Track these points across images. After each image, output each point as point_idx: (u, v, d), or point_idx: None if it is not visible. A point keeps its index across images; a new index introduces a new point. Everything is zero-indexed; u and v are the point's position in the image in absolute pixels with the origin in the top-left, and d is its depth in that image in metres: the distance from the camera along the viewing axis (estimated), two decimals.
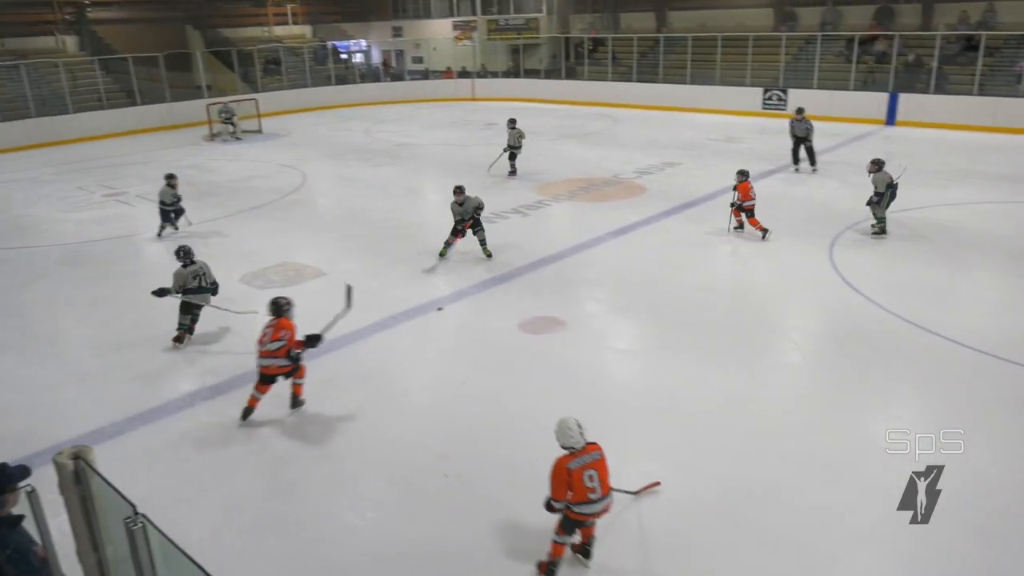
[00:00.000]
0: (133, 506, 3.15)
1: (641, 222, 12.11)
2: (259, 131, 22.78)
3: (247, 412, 6.56)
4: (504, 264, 10.29)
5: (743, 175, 11.10)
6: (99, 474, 3.57)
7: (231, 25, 32.46)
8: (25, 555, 3.83)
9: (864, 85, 22.33)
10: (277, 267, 10.44)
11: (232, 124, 21.91)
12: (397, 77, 32.80)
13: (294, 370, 6.56)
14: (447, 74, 31.48)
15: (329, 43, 32.86)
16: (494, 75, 31.14)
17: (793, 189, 14.27)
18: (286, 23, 34.53)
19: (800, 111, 15.87)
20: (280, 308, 6.54)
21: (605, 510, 4.61)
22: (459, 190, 10.34)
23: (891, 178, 11.05)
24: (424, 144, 20.39)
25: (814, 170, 15.44)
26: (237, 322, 8.74)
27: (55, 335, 8.70)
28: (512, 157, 15.73)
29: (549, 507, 4.62)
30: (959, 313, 8.46)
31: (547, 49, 31.24)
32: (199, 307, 8.22)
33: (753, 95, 23.90)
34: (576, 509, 4.51)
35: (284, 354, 6.36)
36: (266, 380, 6.50)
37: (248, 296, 9.50)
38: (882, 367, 7.22)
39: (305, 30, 35.23)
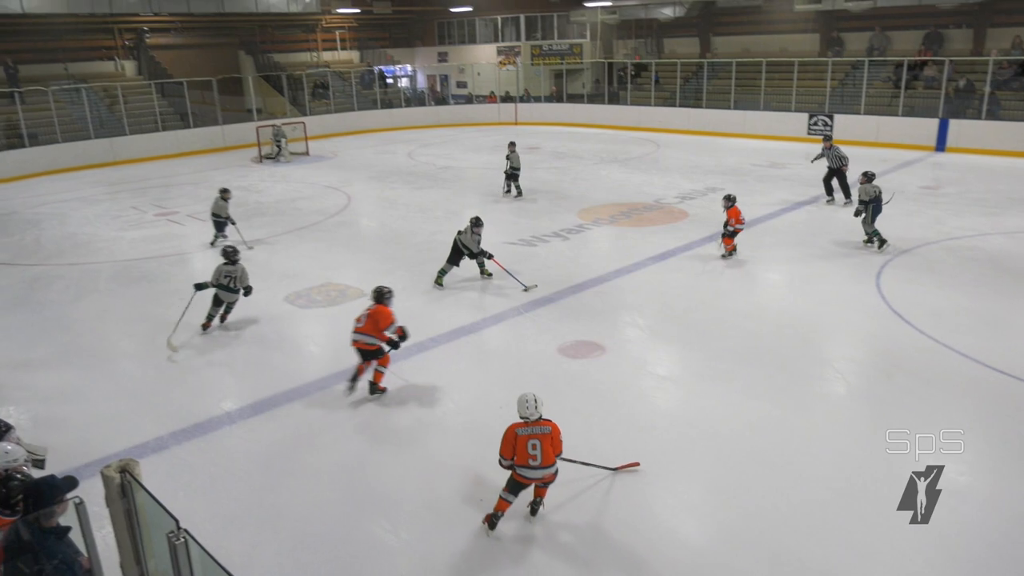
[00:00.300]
0: (176, 520, 3.21)
1: (683, 247, 12.03)
2: (306, 153, 23.30)
3: (354, 377, 7.42)
4: (544, 288, 10.30)
5: (730, 200, 11.22)
6: (144, 488, 3.65)
7: (282, 51, 33.37)
8: (71, 566, 3.92)
9: (912, 111, 21.96)
10: (320, 287, 10.60)
11: (279, 146, 22.49)
12: (441, 101, 33.30)
13: (379, 354, 7.25)
14: (490, 99, 31.84)
15: (376, 68, 33.55)
16: (537, 100, 31.41)
17: (839, 215, 14.03)
18: (335, 49, 35.36)
19: (828, 138, 15.37)
20: (381, 296, 7.40)
21: (546, 478, 5.27)
22: (479, 222, 10.40)
23: (876, 191, 11.23)
24: (466, 167, 20.60)
25: (848, 203, 14.69)
26: (281, 344, 8.90)
27: (104, 350, 8.94)
28: (513, 179, 16.00)
29: (500, 464, 5.31)
30: (1010, 344, 8.20)
31: (590, 74, 31.42)
32: (225, 304, 9.20)
33: (798, 120, 23.66)
34: (519, 471, 5.22)
35: (372, 335, 7.21)
36: (363, 356, 7.31)
37: (291, 315, 9.66)
38: (930, 398, 7.03)
39: (353, 55, 36.03)
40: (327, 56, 34.78)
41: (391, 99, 31.79)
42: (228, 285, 9.03)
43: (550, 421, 5.25)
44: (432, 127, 29.52)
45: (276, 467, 6.28)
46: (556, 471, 5.28)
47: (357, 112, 29.33)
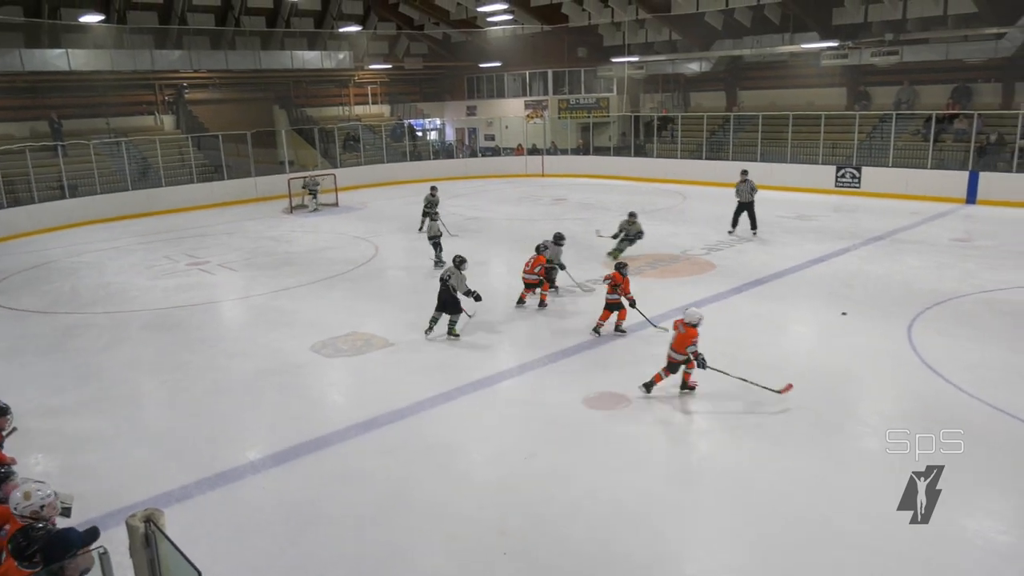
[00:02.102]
0: (198, 571, 3.20)
1: (710, 298, 11.94)
2: (335, 204, 23.71)
3: (520, 301, 11.58)
4: (570, 338, 10.26)
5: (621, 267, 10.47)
6: (168, 538, 3.65)
7: (315, 105, 34.28)
8: None
9: (942, 164, 21.84)
10: (346, 336, 10.67)
11: (314, 195, 22.99)
12: (470, 154, 33.84)
13: (540, 284, 11.51)
14: (518, 151, 32.28)
15: (406, 121, 34.25)
16: (564, 152, 31.79)
17: (870, 267, 13.88)
18: (366, 103, 36.25)
19: (744, 173, 16.93)
20: (539, 248, 11.58)
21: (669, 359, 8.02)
22: (462, 261, 10.51)
23: (633, 231, 14.03)
24: (493, 218, 20.79)
25: (754, 234, 16.63)
26: (306, 392, 8.95)
27: (133, 397, 9.03)
28: (430, 216, 16.70)
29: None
30: None
31: (617, 127, 31.79)
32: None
33: (826, 173, 23.63)
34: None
35: (537, 274, 11.40)
36: (528, 287, 11.50)
37: (317, 364, 9.71)
38: (967, 453, 6.81)
39: (384, 109, 36.88)
40: (359, 110, 35.65)
41: (420, 151, 32.37)
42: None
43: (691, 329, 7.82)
44: (460, 179, 29.93)
45: (299, 519, 6.24)
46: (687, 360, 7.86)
47: (387, 164, 29.86)
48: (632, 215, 14.82)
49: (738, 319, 11.03)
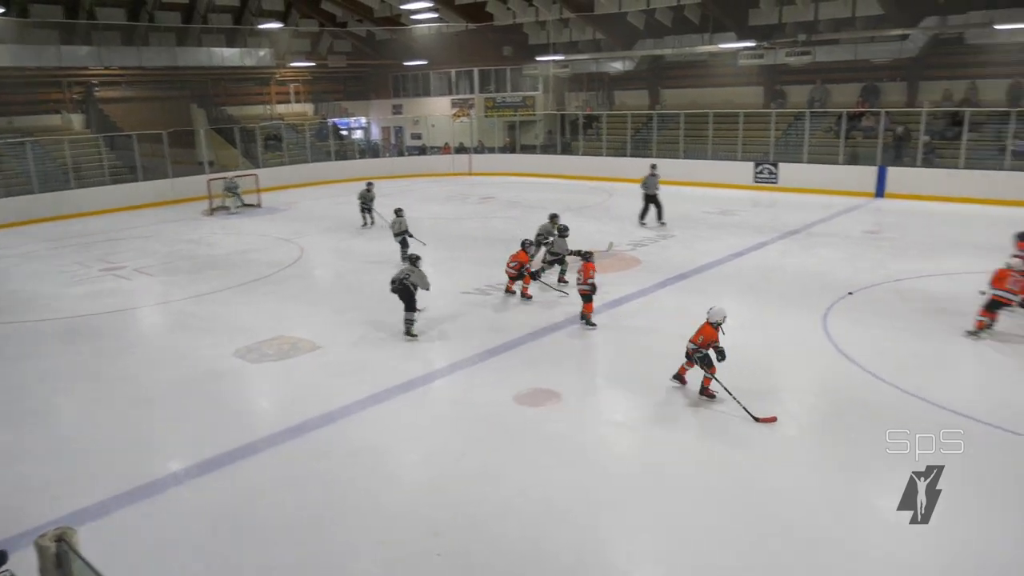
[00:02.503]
0: None
1: (636, 293, 12.17)
2: (258, 205, 23.12)
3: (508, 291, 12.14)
4: (499, 336, 10.29)
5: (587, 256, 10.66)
6: (81, 557, 3.50)
7: (235, 103, 33.35)
8: None
9: (853, 159, 22.84)
10: (272, 341, 10.42)
11: (236, 196, 22.37)
12: (396, 153, 33.53)
13: (520, 277, 11.76)
14: (445, 150, 32.17)
15: (330, 120, 33.68)
16: (491, 150, 31.84)
17: (787, 260, 14.41)
18: (288, 102, 35.48)
19: (653, 167, 18.17)
20: (524, 245, 12.05)
21: (689, 352, 8.11)
22: (418, 259, 10.62)
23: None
24: (421, 218, 20.57)
25: (663, 224, 17.65)
26: (230, 400, 8.71)
27: (44, 411, 8.59)
28: (368, 211, 18.58)
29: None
30: (952, 381, 8.43)
31: (543, 125, 32.04)
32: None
33: (745, 169, 24.38)
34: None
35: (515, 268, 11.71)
36: (512, 279, 11.94)
37: (241, 370, 9.45)
38: (880, 437, 7.13)
39: (307, 108, 36.18)
40: (281, 108, 34.87)
41: (345, 151, 31.88)
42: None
43: (709, 327, 7.87)
44: (387, 178, 29.56)
45: (226, 529, 6.06)
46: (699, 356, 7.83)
47: (311, 164, 29.29)
48: (553, 217, 14.05)
49: (663, 313, 11.27)
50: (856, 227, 17.32)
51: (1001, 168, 20.22)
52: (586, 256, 10.56)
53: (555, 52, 29.84)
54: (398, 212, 15.41)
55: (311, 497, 6.48)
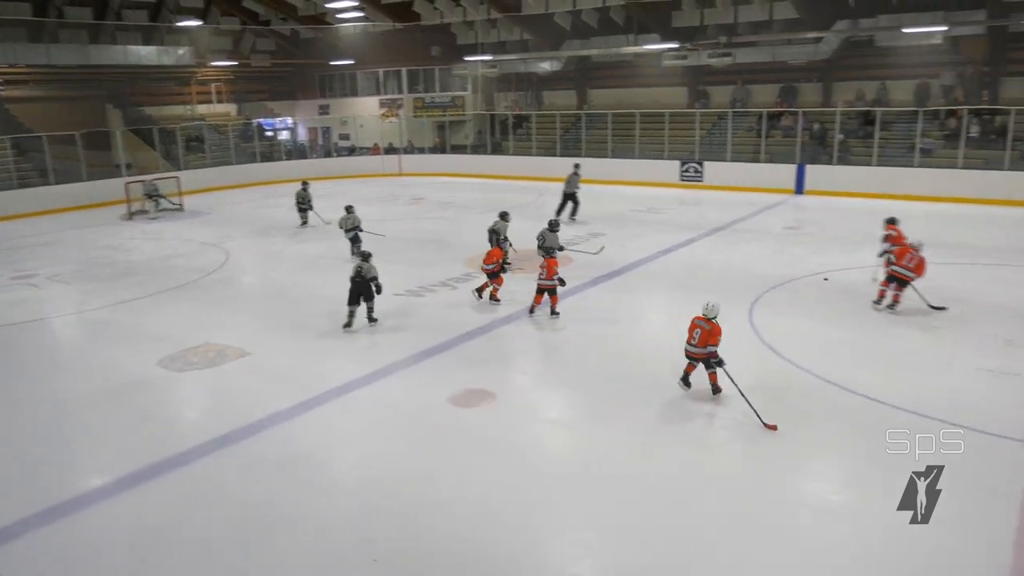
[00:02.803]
0: None
1: (568, 292, 12.25)
2: (180, 208, 22.36)
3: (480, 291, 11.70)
4: (432, 337, 10.23)
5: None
6: None
7: (154, 104, 32.16)
8: None
9: (773, 158, 23.62)
10: (198, 348, 10.10)
11: (157, 201, 21.56)
12: (324, 154, 32.95)
13: (494, 276, 11.45)
14: (374, 150, 31.80)
15: (255, 121, 32.84)
16: (421, 151, 31.64)
17: (713, 256, 14.79)
18: (210, 102, 34.45)
19: (577, 166, 19.02)
20: (496, 241, 12.61)
21: (697, 355, 7.93)
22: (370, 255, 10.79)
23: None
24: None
25: (573, 220, 18.40)
26: (154, 411, 8.40)
27: None
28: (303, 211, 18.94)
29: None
30: (869, 369, 8.79)
31: (473, 125, 32.02)
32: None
33: (672, 168, 24.92)
34: (686, 346, 8.01)
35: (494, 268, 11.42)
36: (490, 277, 11.51)
37: (165, 380, 9.13)
38: (803, 425, 7.40)
39: (230, 108, 35.20)
40: (203, 109, 33.81)
41: (272, 152, 31.16)
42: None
43: (716, 324, 7.73)
44: (316, 179, 28.79)
45: (150, 546, 5.83)
46: (708, 353, 7.74)
47: (236, 166, 28.51)
48: (503, 214, 14.19)
49: (596, 311, 11.40)
50: (778, 223, 17.91)
51: (911, 165, 21.27)
52: (548, 252, 11.11)
53: (483, 52, 29.86)
54: (349, 209, 15.47)
55: (240, 509, 6.31)
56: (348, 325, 10.57)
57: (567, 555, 5.67)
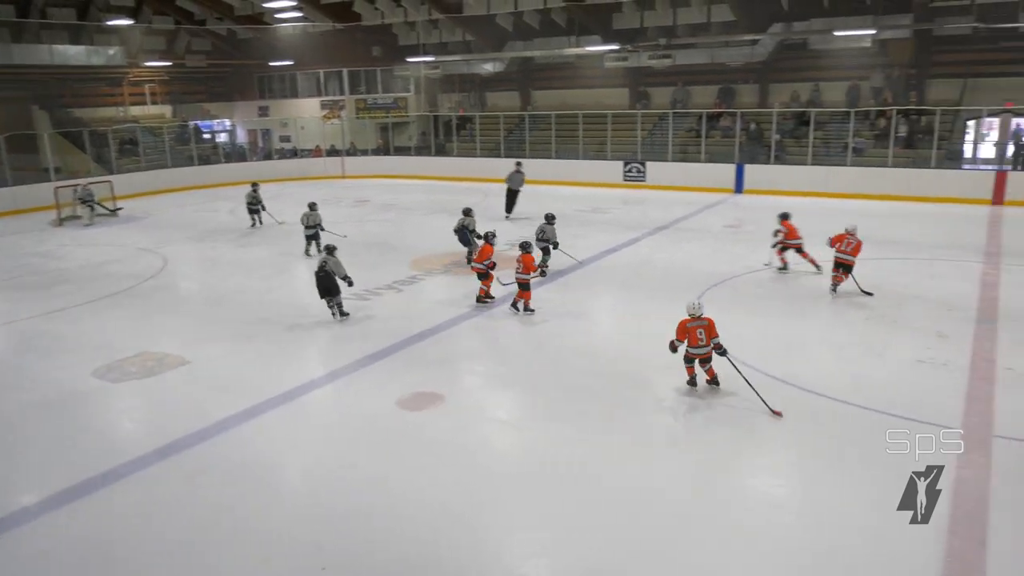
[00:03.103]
0: None
1: (514, 292, 12.28)
2: (114, 214, 21.64)
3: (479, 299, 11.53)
4: (379, 340, 10.13)
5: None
6: None
7: (83, 105, 31.10)
8: None
9: (713, 158, 24.12)
10: (135, 357, 9.79)
11: (92, 207, 20.80)
12: (265, 156, 32.33)
13: (484, 275, 11.28)
14: (316, 152, 31.33)
15: (191, 123, 32.04)
16: (364, 153, 31.32)
17: (657, 254, 15.02)
18: (144, 103, 33.46)
19: (518, 164, 19.62)
20: (488, 239, 11.60)
21: (707, 354, 7.94)
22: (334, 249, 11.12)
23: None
24: (293, 222, 19.97)
25: (507, 218, 18.71)
26: (90, 423, 8.12)
27: None
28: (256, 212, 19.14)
29: (672, 346, 8.08)
30: (810, 362, 9.05)
31: (416, 127, 31.85)
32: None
33: (615, 168, 25.21)
34: (690, 350, 7.97)
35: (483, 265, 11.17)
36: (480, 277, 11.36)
37: (101, 390, 8.82)
38: (746, 420, 7.56)
39: (165, 110, 34.27)
40: (136, 111, 32.85)
41: (209, 155, 30.43)
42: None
43: (708, 318, 7.86)
44: (258, 182, 28.47)
45: (88, 565, 5.63)
46: (716, 346, 7.83)
47: (171, 169, 27.74)
48: (467, 211, 14.48)
49: (542, 309, 11.44)
50: (718, 221, 18.29)
51: (844, 164, 21.98)
52: (525, 247, 11.08)
53: (425, 53, 29.74)
54: (312, 206, 15.65)
55: (185, 522, 6.13)
56: (343, 315, 10.96)
57: (520, 556, 5.68)
